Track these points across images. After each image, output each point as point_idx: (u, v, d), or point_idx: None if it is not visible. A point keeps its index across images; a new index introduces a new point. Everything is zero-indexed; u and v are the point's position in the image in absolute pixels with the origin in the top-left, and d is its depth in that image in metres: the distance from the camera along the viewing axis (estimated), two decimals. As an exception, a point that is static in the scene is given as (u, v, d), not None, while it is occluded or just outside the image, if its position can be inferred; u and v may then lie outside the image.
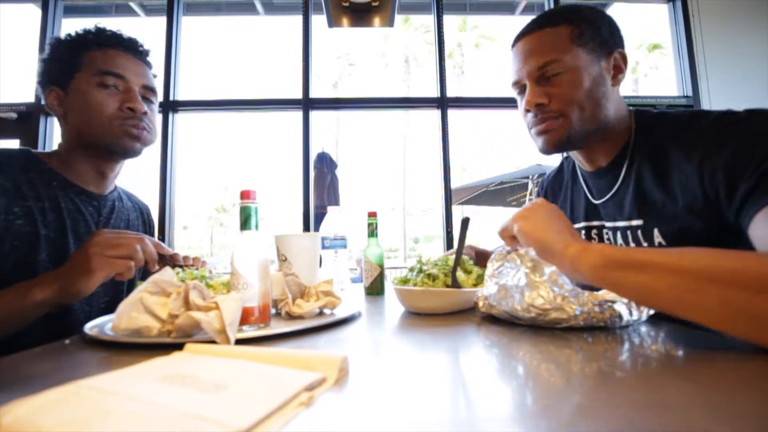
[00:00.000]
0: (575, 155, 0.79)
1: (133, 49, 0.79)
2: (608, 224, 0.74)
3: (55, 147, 0.80)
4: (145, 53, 0.82)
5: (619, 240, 0.71)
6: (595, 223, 0.78)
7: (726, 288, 0.37)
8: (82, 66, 0.74)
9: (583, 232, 0.80)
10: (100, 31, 0.77)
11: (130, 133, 0.75)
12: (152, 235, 0.98)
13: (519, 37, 0.73)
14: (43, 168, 0.74)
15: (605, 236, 0.76)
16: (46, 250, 0.69)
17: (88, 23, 0.80)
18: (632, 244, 0.68)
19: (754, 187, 0.50)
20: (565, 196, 0.88)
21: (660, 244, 0.64)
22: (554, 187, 0.94)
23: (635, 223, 0.67)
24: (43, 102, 0.79)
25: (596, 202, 0.77)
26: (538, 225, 0.53)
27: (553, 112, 0.68)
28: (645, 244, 0.66)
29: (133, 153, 0.79)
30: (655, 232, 0.64)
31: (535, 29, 0.70)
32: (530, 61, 0.69)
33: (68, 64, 0.75)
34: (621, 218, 0.70)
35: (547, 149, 0.71)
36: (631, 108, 0.73)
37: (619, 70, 0.70)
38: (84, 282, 0.58)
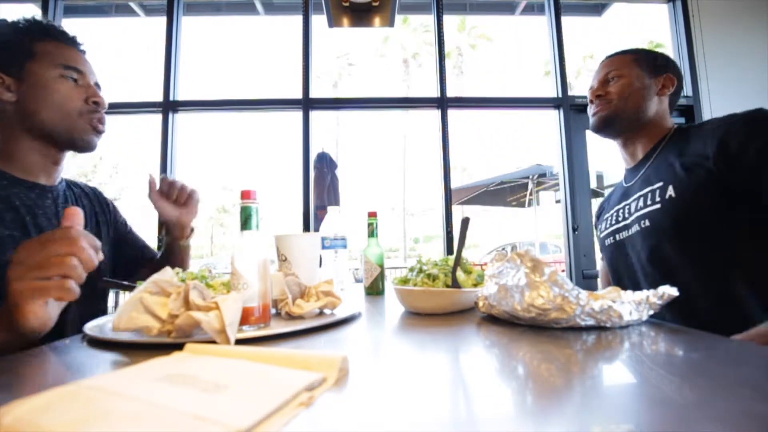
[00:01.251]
0: (622, 152, 1.01)
1: (78, 46, 0.80)
2: (632, 198, 0.90)
3: None
4: (86, 51, 0.83)
5: (640, 203, 0.86)
6: (623, 203, 0.94)
7: None
8: (35, 55, 0.74)
9: (615, 215, 0.96)
10: (48, 25, 0.77)
11: (96, 128, 0.79)
12: (111, 213, 0.95)
13: (603, 61, 1.02)
14: None
15: (625, 212, 0.92)
16: (13, 248, 0.67)
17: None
18: (649, 202, 0.84)
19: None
20: (611, 202, 1.04)
21: (670, 197, 0.79)
22: (605, 204, 1.10)
23: (655, 186, 0.84)
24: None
25: (627, 185, 0.96)
26: None
27: (607, 99, 0.95)
28: (658, 199, 0.81)
29: (93, 147, 0.81)
30: (669, 188, 0.80)
31: (613, 56, 1.00)
32: (601, 72, 0.99)
33: (17, 51, 0.73)
34: (647, 187, 0.86)
35: (597, 123, 0.97)
36: (676, 125, 0.93)
37: (665, 86, 0.94)
38: (23, 322, 0.46)
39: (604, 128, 0.97)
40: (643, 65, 0.95)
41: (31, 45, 0.74)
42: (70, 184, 0.88)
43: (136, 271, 0.94)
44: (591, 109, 1.00)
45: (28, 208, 0.72)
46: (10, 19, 0.76)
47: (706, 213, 0.75)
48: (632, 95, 0.93)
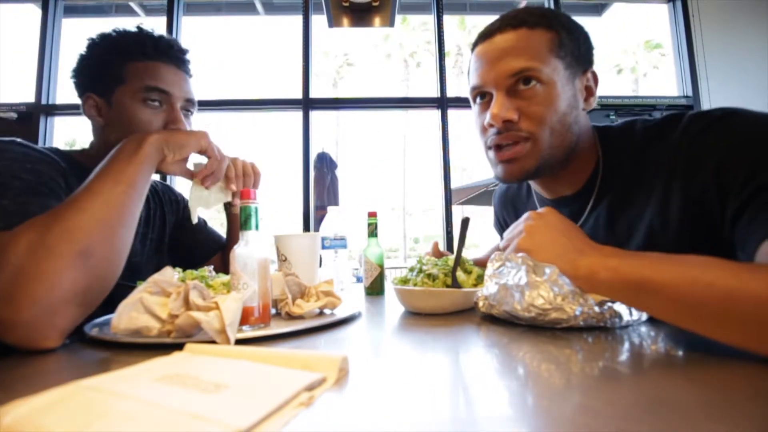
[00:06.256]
0: (532, 182, 0.71)
1: (176, 59, 0.78)
2: None
3: (66, 146, 0.80)
4: (188, 62, 0.80)
5: None
6: None
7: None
8: (125, 79, 0.74)
9: None
10: (143, 40, 0.75)
11: None
12: (181, 206, 0.99)
13: (486, 35, 0.61)
14: (81, 166, 0.72)
15: None
16: None
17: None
18: None
19: (743, 211, 0.45)
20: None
21: None
22: (514, 203, 0.86)
23: None
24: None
25: None
26: (540, 246, 0.52)
27: (522, 132, 0.58)
28: None
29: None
30: None
31: (508, 28, 0.59)
32: (501, 65, 0.57)
33: (111, 76, 0.74)
34: None
35: (510, 179, 0.63)
36: (593, 126, 0.66)
37: (590, 92, 0.63)
38: (185, 138, 0.67)
39: (522, 181, 0.66)
40: (566, 56, 0.59)
41: (121, 68, 0.74)
42: (158, 185, 0.93)
43: (210, 257, 1.00)
44: (492, 144, 0.61)
45: None
46: (110, 29, 0.76)
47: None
48: (560, 121, 0.58)
